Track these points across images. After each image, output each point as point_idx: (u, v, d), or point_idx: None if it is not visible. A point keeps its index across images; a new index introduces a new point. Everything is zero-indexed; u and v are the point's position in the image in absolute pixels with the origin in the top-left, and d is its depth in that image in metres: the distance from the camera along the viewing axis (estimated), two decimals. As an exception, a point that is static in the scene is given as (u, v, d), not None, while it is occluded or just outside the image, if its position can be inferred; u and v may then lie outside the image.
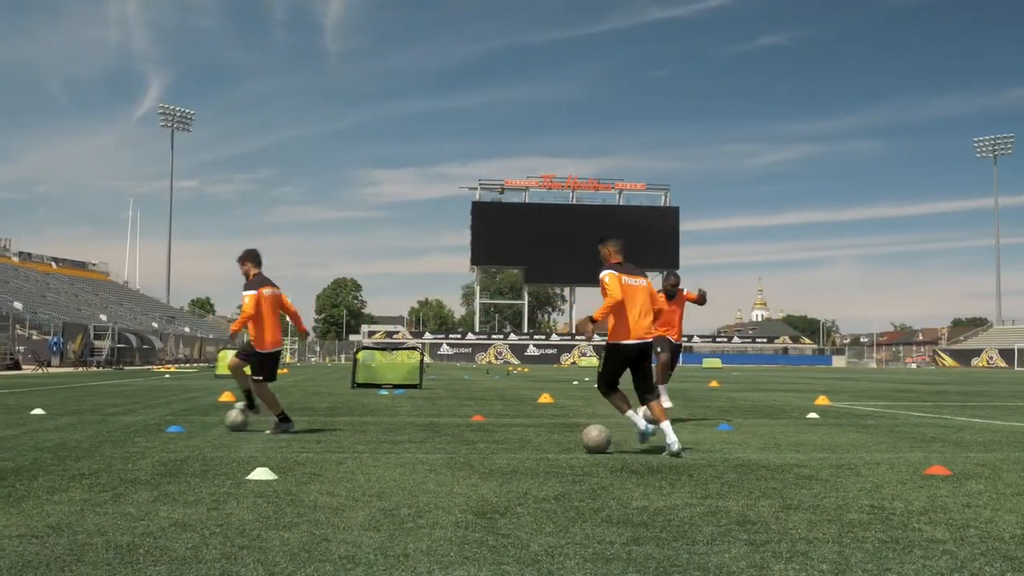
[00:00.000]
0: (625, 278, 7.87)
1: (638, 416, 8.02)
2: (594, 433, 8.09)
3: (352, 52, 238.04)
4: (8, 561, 3.70)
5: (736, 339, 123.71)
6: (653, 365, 8.80)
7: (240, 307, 9.63)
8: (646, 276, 8.12)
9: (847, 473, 6.74)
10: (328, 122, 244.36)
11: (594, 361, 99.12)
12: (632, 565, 3.77)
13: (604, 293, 7.83)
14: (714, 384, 27.60)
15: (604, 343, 8.05)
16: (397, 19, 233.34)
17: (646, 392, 8.02)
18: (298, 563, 3.73)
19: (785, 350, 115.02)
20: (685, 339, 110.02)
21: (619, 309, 7.83)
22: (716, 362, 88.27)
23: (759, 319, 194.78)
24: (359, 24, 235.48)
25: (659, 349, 11.07)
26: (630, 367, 7.99)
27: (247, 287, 9.63)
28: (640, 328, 7.87)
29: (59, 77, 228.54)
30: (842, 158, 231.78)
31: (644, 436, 7.96)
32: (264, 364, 9.52)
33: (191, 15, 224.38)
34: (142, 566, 3.66)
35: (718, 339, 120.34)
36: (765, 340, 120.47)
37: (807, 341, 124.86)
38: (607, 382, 8.07)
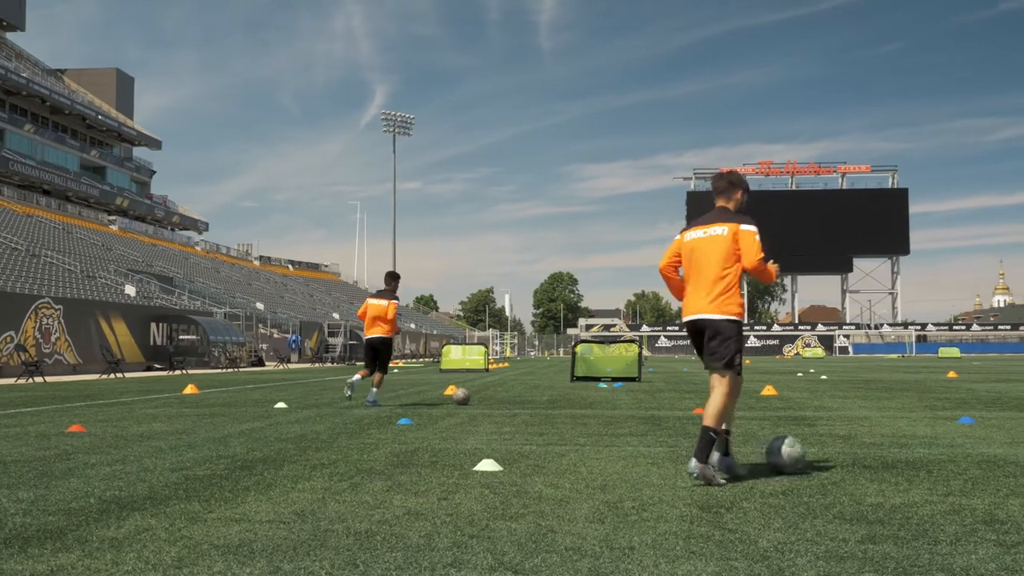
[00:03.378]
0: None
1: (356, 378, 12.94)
2: (460, 394, 13.33)
3: (565, 49, 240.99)
4: (260, 544, 3.97)
5: (975, 327, 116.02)
6: None
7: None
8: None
9: (1109, 470, 6.19)
10: (542, 119, 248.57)
11: (820, 351, 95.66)
12: (868, 564, 3.61)
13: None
14: (952, 375, 26.02)
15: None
16: (608, 12, 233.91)
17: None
18: (526, 553, 3.80)
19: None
20: (919, 327, 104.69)
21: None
22: (954, 351, 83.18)
23: (1001, 305, 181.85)
24: (572, 20, 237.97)
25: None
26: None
27: None
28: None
29: (291, 90, 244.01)
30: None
31: (352, 386, 12.92)
32: None
33: (412, 23, 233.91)
34: (380, 552, 3.83)
35: (955, 327, 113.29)
36: (1009, 327, 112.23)
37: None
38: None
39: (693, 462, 5.59)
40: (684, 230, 6.20)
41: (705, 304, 5.86)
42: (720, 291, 5.83)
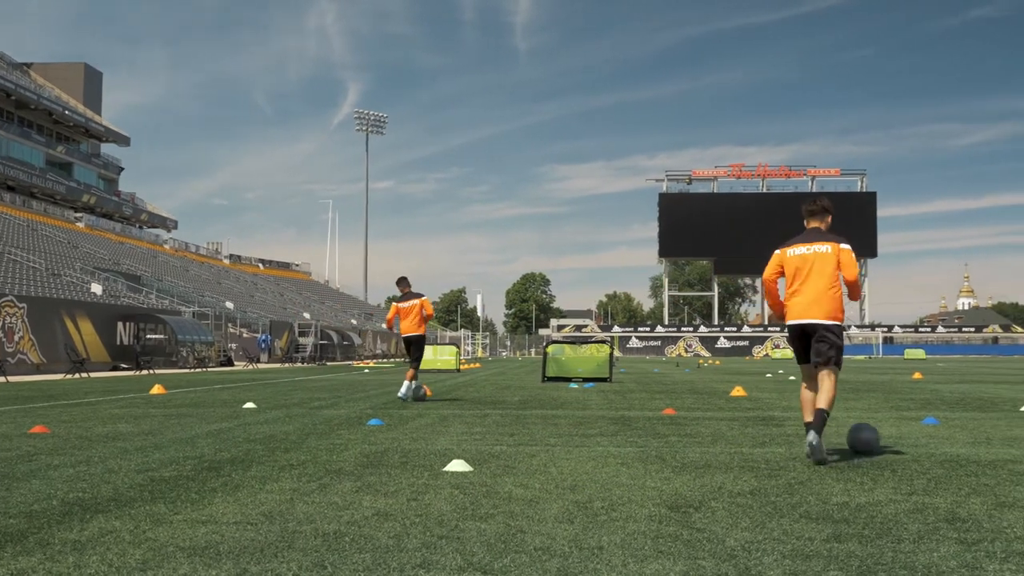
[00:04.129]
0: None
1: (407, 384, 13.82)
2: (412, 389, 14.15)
3: (540, 49, 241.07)
4: (227, 546, 3.95)
5: (941, 328, 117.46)
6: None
7: None
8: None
9: (1070, 470, 6.28)
10: (517, 119, 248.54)
11: (788, 353, 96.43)
12: (833, 562, 3.65)
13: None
14: (917, 376, 26.30)
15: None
16: (584, 13, 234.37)
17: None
18: (495, 553, 3.80)
19: (995, 340, 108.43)
20: (885, 329, 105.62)
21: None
22: (919, 353, 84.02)
23: (966, 307, 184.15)
24: (547, 21, 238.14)
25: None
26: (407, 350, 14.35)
27: None
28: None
29: (264, 88, 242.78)
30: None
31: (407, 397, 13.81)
32: None
33: (385, 22, 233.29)
34: (348, 553, 3.82)
35: (921, 329, 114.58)
36: (973, 329, 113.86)
37: (1019, 330, 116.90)
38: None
39: (812, 434, 6.53)
40: (784, 246, 7.04)
41: (817, 311, 6.71)
42: (830, 299, 6.71)
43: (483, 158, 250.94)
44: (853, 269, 6.73)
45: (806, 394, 6.93)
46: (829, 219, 7.09)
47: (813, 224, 7.08)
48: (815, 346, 6.77)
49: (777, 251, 7.08)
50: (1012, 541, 4.03)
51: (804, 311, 6.77)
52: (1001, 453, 7.25)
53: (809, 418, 6.77)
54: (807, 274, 6.80)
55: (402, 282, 14.53)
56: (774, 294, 7.18)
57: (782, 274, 7.00)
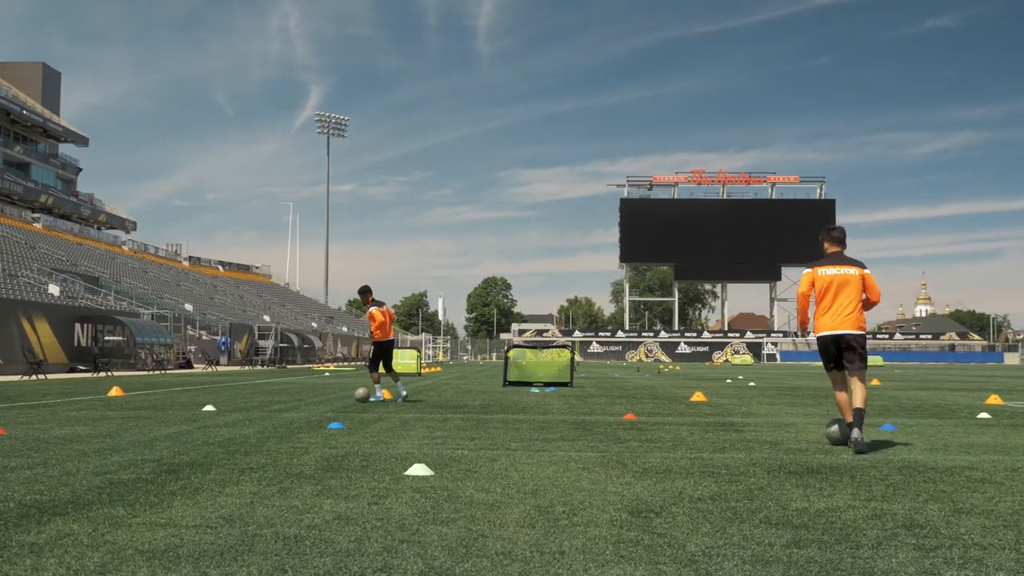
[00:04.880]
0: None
1: (380, 391, 14.75)
2: (360, 391, 14.75)
3: (503, 53, 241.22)
4: (186, 550, 3.91)
5: (898, 335, 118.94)
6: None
7: None
8: None
9: None
10: (480, 123, 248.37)
11: (748, 359, 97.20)
12: (793, 568, 3.68)
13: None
14: (875, 382, 26.60)
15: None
16: (547, 19, 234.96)
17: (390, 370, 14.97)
18: (456, 558, 3.80)
19: (952, 347, 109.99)
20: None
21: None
22: (878, 360, 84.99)
23: (923, 314, 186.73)
24: (510, 26, 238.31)
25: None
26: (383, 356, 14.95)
27: None
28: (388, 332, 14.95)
29: (226, 90, 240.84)
30: (1013, 144, 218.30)
31: (393, 398, 14.86)
32: None
33: (348, 24, 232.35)
34: (309, 557, 3.79)
35: (879, 336, 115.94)
36: (930, 336, 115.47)
37: (976, 337, 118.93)
38: (375, 365, 15.01)
39: (856, 431, 7.62)
40: (815, 266, 8.14)
41: (850, 324, 7.89)
42: (858, 314, 7.93)
43: (446, 162, 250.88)
44: (878, 291, 7.97)
45: (841, 397, 8.06)
46: (844, 246, 8.25)
47: (834, 249, 8.21)
48: (847, 354, 7.93)
49: (807, 270, 8.18)
50: (969, 547, 4.09)
51: (837, 324, 7.89)
52: (958, 460, 7.36)
53: (850, 418, 7.84)
54: (836, 292, 7.93)
55: (367, 291, 15.14)
56: (806, 307, 8.18)
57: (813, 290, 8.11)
